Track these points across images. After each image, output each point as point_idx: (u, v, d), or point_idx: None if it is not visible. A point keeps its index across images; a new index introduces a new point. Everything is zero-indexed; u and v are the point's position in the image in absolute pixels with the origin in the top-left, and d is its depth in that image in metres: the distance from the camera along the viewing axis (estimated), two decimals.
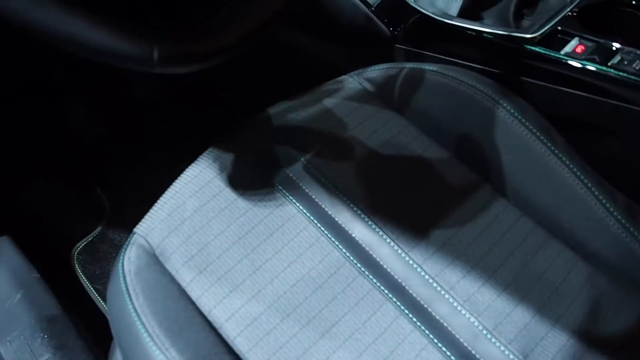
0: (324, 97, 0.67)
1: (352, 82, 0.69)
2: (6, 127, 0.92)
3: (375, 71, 0.68)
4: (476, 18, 0.70)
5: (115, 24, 0.36)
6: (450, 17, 0.70)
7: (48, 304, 0.79)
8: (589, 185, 0.56)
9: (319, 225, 0.57)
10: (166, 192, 0.60)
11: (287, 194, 0.59)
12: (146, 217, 0.59)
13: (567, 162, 0.57)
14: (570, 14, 0.64)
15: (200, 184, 0.59)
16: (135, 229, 0.58)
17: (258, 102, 0.68)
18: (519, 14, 0.68)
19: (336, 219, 0.57)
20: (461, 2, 0.71)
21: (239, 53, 0.42)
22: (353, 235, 0.56)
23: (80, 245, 0.97)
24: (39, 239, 0.95)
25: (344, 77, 0.69)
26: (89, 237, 0.98)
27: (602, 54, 0.61)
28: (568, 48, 0.62)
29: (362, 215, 0.57)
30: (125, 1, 0.44)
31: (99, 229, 0.99)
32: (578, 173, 0.57)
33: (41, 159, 0.99)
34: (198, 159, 0.62)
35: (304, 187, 0.59)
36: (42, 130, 0.98)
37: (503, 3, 0.68)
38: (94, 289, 0.93)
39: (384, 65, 0.68)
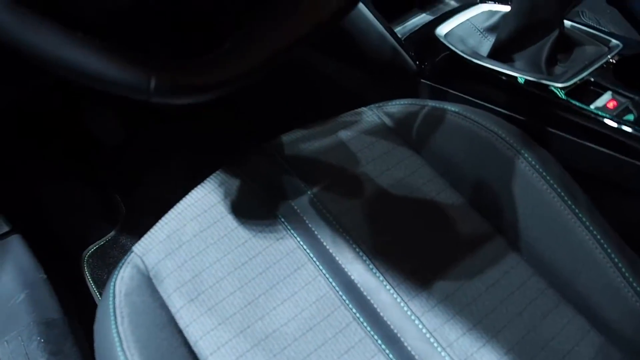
0: (340, 128, 0.65)
1: (371, 115, 0.67)
2: (29, 128, 0.94)
3: (396, 106, 0.66)
4: (507, 60, 0.67)
5: (109, 47, 0.35)
6: (480, 57, 0.67)
7: (50, 307, 0.79)
8: (609, 250, 0.53)
9: (317, 263, 0.55)
10: (168, 213, 0.59)
11: (289, 227, 0.57)
12: (146, 236, 0.58)
13: (588, 223, 0.54)
14: (605, 65, 0.60)
15: (202, 207, 0.58)
16: (133, 248, 0.57)
17: (277, 122, 0.67)
18: (552, 58, 0.64)
19: (336, 258, 0.55)
20: (493, 42, 0.69)
21: (242, 86, 0.40)
22: (352, 277, 0.54)
23: (92, 248, 0.97)
24: (51, 239, 0.96)
25: (363, 109, 0.67)
26: (101, 241, 0.98)
27: (636, 112, 0.57)
28: (599, 102, 0.59)
29: (364, 257, 0.55)
30: (126, 25, 0.43)
31: (112, 233, 1.00)
32: (598, 236, 0.53)
33: (62, 160, 1.00)
34: (204, 181, 0.61)
35: (307, 222, 0.57)
36: (65, 133, 1.00)
37: (536, 46, 0.65)
38: (99, 293, 0.93)
39: (406, 101, 0.66)
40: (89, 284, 0.94)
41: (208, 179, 0.61)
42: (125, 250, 0.99)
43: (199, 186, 0.61)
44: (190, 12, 0.46)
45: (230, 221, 0.57)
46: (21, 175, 0.94)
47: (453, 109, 0.62)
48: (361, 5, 0.70)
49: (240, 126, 1.03)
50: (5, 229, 0.82)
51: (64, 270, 0.91)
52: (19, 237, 0.83)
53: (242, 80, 0.39)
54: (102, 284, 0.95)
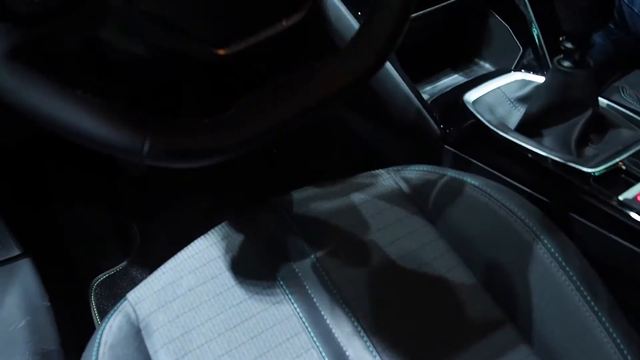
0: (354, 190, 0.63)
1: (388, 178, 0.64)
2: (49, 151, 0.95)
3: (415, 172, 0.64)
4: (535, 134, 0.64)
5: (103, 104, 0.33)
6: (507, 130, 0.64)
7: (49, 337, 0.78)
8: (630, 358, 0.48)
9: (312, 334, 0.52)
10: (167, 263, 0.58)
11: (287, 291, 0.55)
12: (142, 284, 0.57)
13: (608, 324, 0.50)
14: None
15: (202, 260, 0.57)
16: (127, 295, 0.56)
17: (292, 173, 0.66)
18: (583, 139, 0.61)
19: (333, 331, 0.52)
20: (522, 114, 0.66)
21: (241, 154, 0.39)
22: (347, 354, 0.51)
23: (102, 277, 0.97)
24: (62, 264, 0.96)
25: (380, 171, 0.65)
26: (112, 271, 0.98)
27: None
28: (629, 193, 0.55)
29: (362, 334, 0.52)
30: (128, 83, 0.43)
31: (123, 263, 0.99)
32: (618, 340, 0.49)
33: (82, 185, 1.01)
34: (208, 232, 0.60)
35: (307, 288, 0.55)
36: (87, 159, 1.01)
37: (568, 124, 0.62)
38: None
39: (425, 167, 0.64)
40: (93, 314, 0.93)
41: (212, 230, 0.60)
42: (134, 283, 0.97)
43: (202, 237, 0.59)
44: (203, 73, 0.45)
45: (227, 278, 0.55)
46: (38, 197, 0.96)
47: (473, 182, 0.60)
48: (388, 65, 0.69)
49: (261, 170, 1.03)
50: (16, 252, 0.82)
51: (70, 296, 0.91)
52: (29, 262, 0.83)
53: (241, 149, 0.37)
54: (106, 314, 0.94)
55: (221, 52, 0.37)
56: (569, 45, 0.58)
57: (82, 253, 0.99)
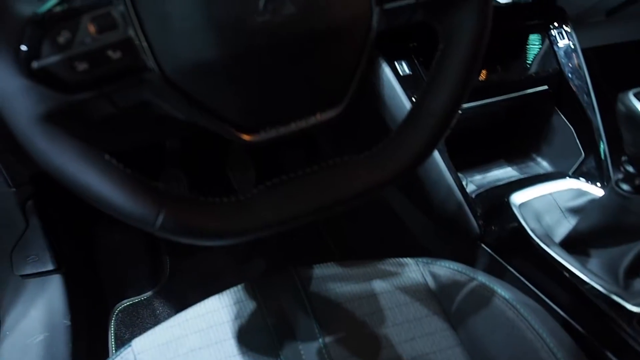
0: (378, 276, 0.61)
1: (415, 270, 0.62)
2: None
3: (444, 268, 0.61)
4: (581, 253, 0.59)
5: (124, 175, 0.34)
6: (550, 243, 0.60)
7: (61, 357, 0.80)
8: None
9: None
10: (177, 316, 0.57)
11: None
12: (149, 333, 0.57)
13: None
14: None
15: (210, 322, 0.56)
16: (132, 342, 0.56)
17: (320, 243, 0.64)
18: (634, 269, 0.56)
19: None
20: (571, 228, 0.62)
21: (258, 238, 0.38)
22: None
23: (125, 303, 0.98)
24: (91, 285, 0.98)
25: (408, 260, 0.63)
26: (136, 299, 0.99)
27: None
28: None
29: None
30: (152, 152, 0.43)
31: (149, 293, 1.00)
32: None
33: None
34: (222, 293, 0.59)
35: None
36: None
37: (620, 250, 0.57)
38: (116, 350, 0.93)
39: (456, 266, 0.61)
40: (109, 340, 0.94)
41: (227, 291, 0.59)
42: (155, 315, 0.99)
43: (215, 296, 0.59)
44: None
45: (231, 346, 0.54)
46: (81, 218, 0.99)
47: (503, 293, 0.56)
48: (436, 154, 0.67)
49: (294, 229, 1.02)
50: (50, 267, 0.85)
51: (92, 318, 0.93)
52: (60, 278, 0.86)
53: (249, 237, 0.37)
54: (122, 342, 0.95)
55: (248, 138, 0.37)
56: (630, 168, 0.54)
57: (111, 277, 1.01)
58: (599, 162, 0.71)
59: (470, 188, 0.74)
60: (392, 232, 0.80)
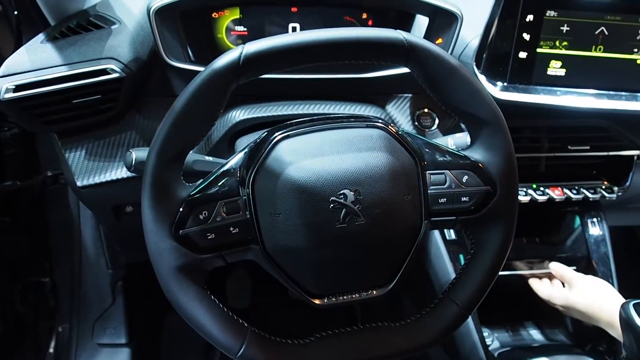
0: None
1: None
2: None
3: None
4: None
5: (219, 311, 0.48)
6: None
7: None
8: None
9: None
10: None
11: None
12: None
13: None
14: None
15: None
16: None
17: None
18: None
19: None
20: None
21: None
22: None
23: None
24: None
25: None
26: None
27: None
28: None
29: None
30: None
31: None
32: None
33: None
34: None
35: None
36: None
37: None
38: None
39: None
40: None
41: None
42: None
43: None
44: None
45: None
46: (156, 304, 1.14)
47: None
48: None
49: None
50: (123, 340, 0.99)
51: None
52: (128, 352, 0.99)
53: None
54: None
55: (317, 302, 0.50)
56: None
57: (170, 356, 1.13)
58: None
59: (494, 345, 0.83)
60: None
